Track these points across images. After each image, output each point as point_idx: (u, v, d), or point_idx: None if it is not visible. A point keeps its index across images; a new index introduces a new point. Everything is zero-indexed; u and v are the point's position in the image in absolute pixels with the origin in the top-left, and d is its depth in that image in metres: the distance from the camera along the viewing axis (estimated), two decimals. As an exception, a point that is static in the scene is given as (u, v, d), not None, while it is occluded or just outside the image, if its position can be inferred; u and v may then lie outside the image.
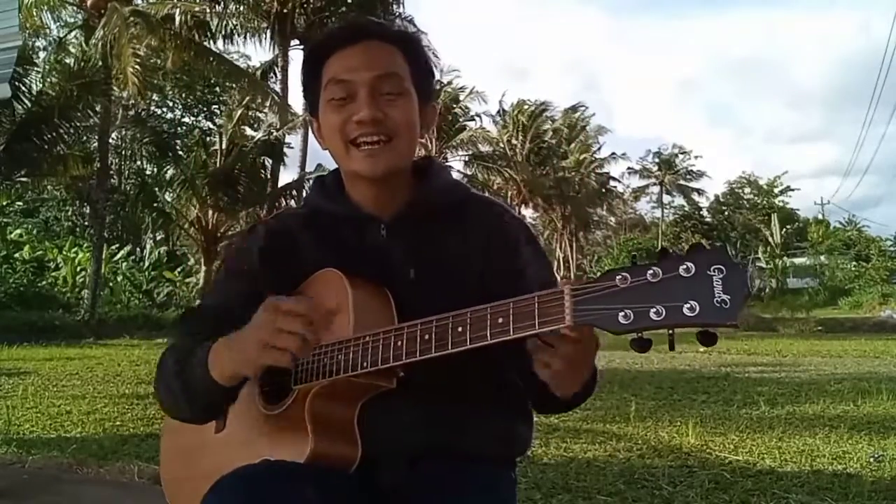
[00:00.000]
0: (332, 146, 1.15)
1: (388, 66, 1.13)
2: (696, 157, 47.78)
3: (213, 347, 1.04)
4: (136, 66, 15.06)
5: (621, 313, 0.82)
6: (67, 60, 17.04)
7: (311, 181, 19.53)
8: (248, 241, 1.22)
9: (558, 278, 1.20)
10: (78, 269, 18.79)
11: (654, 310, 0.81)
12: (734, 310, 0.78)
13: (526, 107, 39.60)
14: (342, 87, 1.12)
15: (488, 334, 0.91)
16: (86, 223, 27.34)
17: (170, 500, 1.25)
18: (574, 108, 42.60)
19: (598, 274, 0.87)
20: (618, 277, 0.84)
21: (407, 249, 1.14)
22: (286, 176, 22.06)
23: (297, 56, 20.84)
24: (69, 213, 28.43)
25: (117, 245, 23.19)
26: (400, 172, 1.16)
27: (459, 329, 0.94)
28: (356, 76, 1.11)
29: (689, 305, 0.80)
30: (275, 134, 18.80)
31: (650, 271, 0.82)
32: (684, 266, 0.81)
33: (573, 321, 0.85)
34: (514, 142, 38.04)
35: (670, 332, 0.83)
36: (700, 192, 46.17)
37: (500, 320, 0.90)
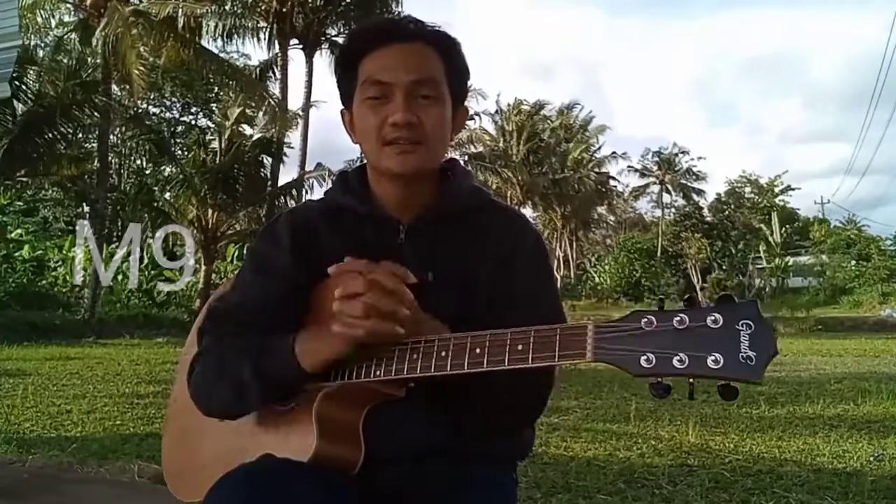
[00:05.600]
0: (364, 143, 1.16)
1: (426, 70, 1.13)
2: (698, 159, 47.89)
3: (301, 339, 1.04)
4: (141, 68, 15.08)
5: (643, 357, 0.82)
6: (66, 60, 17.01)
7: (310, 180, 19.65)
8: (275, 236, 1.20)
9: (559, 301, 1.21)
10: (78, 268, 18.77)
11: (677, 357, 0.81)
12: (759, 368, 0.79)
13: (523, 106, 39.63)
14: (379, 87, 1.12)
15: (506, 360, 0.91)
16: (85, 222, 27.32)
17: (171, 485, 1.25)
18: (570, 107, 42.66)
19: (623, 314, 0.86)
20: (643, 320, 0.84)
21: (423, 253, 1.14)
22: (286, 175, 22.06)
23: (296, 56, 20.87)
24: (67, 214, 28.42)
25: (117, 245, 23.16)
26: (427, 174, 1.16)
27: (477, 350, 0.93)
28: (393, 77, 1.11)
29: (713, 357, 0.80)
30: (272, 132, 18.79)
31: (677, 318, 0.82)
32: (712, 317, 0.81)
33: (594, 357, 0.85)
34: (511, 141, 38.08)
35: (691, 381, 0.83)
36: (699, 192, 46.22)
37: (520, 347, 0.90)
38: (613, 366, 0.84)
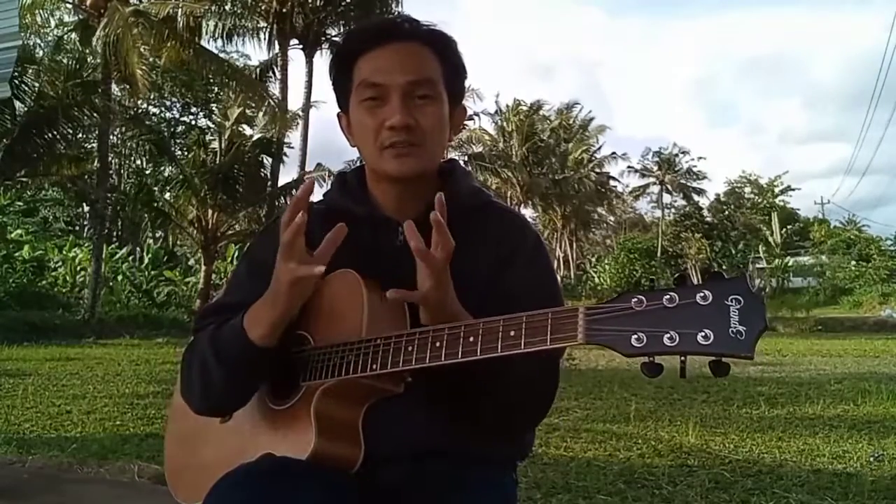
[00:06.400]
0: (362, 146, 1.15)
1: (422, 70, 1.12)
2: (698, 159, 47.90)
3: (248, 311, 1.05)
4: (144, 68, 15.09)
5: (634, 336, 0.82)
6: (66, 60, 17.02)
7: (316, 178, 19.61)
8: (272, 238, 1.17)
9: (562, 299, 1.19)
10: (78, 268, 18.79)
11: (667, 335, 0.80)
12: (749, 341, 0.78)
13: (522, 107, 39.62)
14: (375, 89, 1.11)
15: (499, 346, 0.91)
16: (84, 223, 27.36)
17: (171, 486, 1.26)
18: (569, 107, 42.65)
19: (614, 294, 0.87)
20: (633, 300, 0.83)
21: None
22: (286, 175, 22.07)
23: (296, 56, 20.88)
24: (67, 214, 28.44)
25: (117, 244, 23.19)
26: (426, 175, 1.15)
27: (471, 339, 0.93)
28: (389, 79, 1.10)
29: (703, 334, 0.79)
30: (272, 132, 18.79)
31: (667, 296, 0.82)
32: (702, 294, 0.80)
33: (585, 339, 0.84)
34: (511, 141, 38.08)
35: (682, 358, 0.83)
36: (700, 192, 46.24)
37: (513, 333, 0.90)
38: (605, 347, 0.84)
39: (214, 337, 1.09)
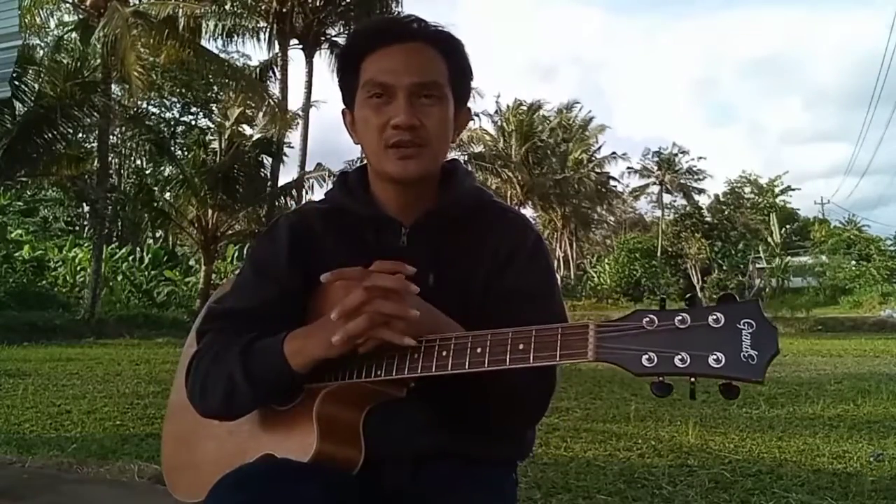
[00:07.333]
0: (366, 144, 1.15)
1: (429, 72, 1.12)
2: (698, 159, 47.97)
3: (290, 338, 1.02)
4: (140, 69, 15.09)
5: (645, 356, 0.82)
6: (66, 60, 17.00)
7: (310, 180, 19.66)
8: (274, 239, 1.19)
9: (561, 300, 1.18)
10: (77, 268, 18.79)
11: (678, 356, 0.81)
12: (760, 367, 0.78)
13: (522, 107, 39.62)
14: (381, 88, 1.11)
15: (507, 359, 0.90)
16: (84, 223, 27.37)
17: (170, 485, 1.25)
18: (569, 107, 42.63)
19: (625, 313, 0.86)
20: (645, 319, 0.83)
21: (427, 255, 1.12)
22: (286, 175, 22.06)
23: (296, 56, 20.88)
24: (67, 214, 28.43)
25: (117, 244, 23.19)
26: (428, 177, 1.15)
27: (478, 350, 0.93)
28: (395, 79, 1.10)
29: (715, 357, 0.80)
30: (272, 132, 18.80)
31: (678, 317, 0.82)
32: (714, 316, 0.81)
33: (595, 357, 0.84)
34: (511, 141, 38.08)
35: (693, 380, 0.83)
36: (700, 191, 46.27)
37: (521, 346, 0.90)
38: (615, 365, 0.84)
39: (246, 353, 1.05)
